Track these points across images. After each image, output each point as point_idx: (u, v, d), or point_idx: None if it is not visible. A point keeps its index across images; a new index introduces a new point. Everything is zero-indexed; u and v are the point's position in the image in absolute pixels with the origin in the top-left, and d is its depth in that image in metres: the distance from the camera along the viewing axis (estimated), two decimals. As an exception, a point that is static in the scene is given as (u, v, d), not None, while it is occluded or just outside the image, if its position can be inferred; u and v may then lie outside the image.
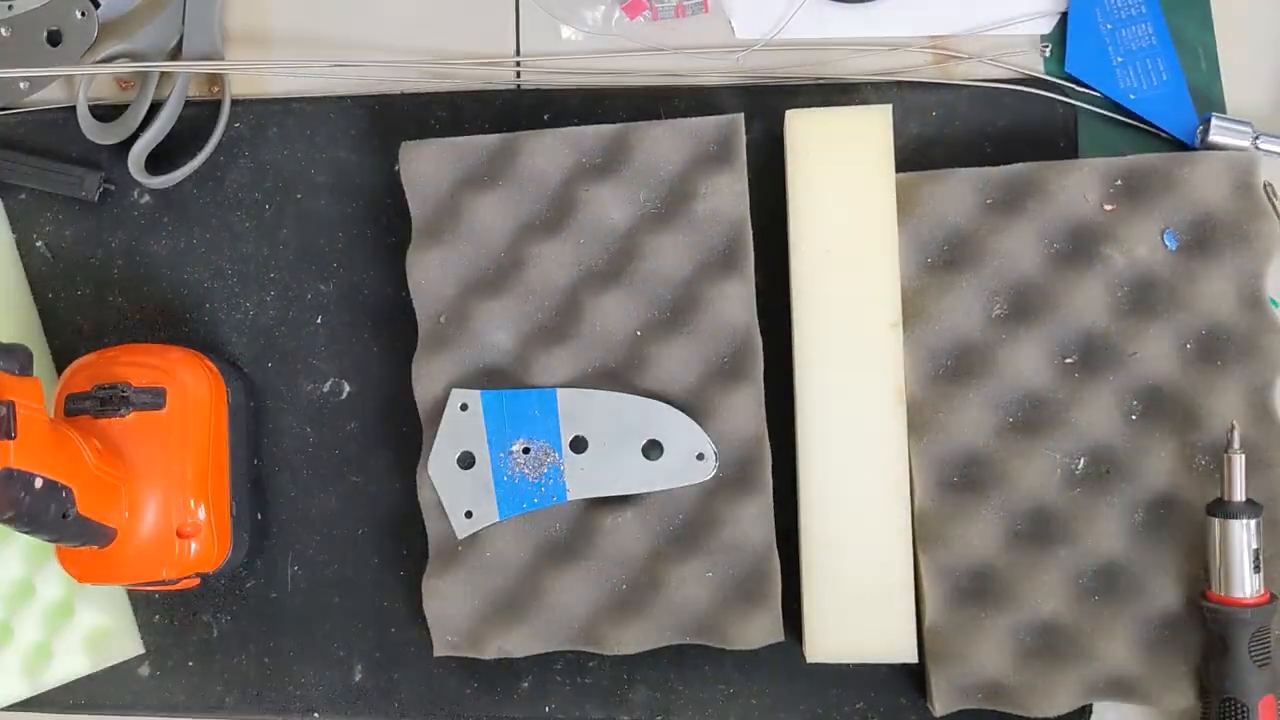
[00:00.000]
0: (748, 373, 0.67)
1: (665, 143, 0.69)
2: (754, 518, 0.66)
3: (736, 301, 0.67)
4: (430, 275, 0.69)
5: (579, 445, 0.67)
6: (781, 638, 0.65)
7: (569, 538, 0.68)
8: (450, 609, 0.67)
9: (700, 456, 0.66)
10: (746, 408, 0.67)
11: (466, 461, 0.68)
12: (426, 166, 0.70)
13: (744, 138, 0.68)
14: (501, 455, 0.67)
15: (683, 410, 0.67)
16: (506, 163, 0.70)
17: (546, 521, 0.68)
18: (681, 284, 0.68)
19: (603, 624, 0.66)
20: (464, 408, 0.68)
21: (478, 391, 0.68)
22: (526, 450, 0.67)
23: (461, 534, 0.67)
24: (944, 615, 0.65)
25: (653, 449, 0.67)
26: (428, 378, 0.69)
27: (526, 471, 0.67)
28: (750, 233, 0.68)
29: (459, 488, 0.67)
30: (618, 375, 0.68)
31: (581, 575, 0.67)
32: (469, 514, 0.67)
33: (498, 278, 0.69)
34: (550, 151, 0.69)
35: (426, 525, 0.68)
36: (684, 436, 0.66)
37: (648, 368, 0.67)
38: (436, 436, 0.68)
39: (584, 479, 0.67)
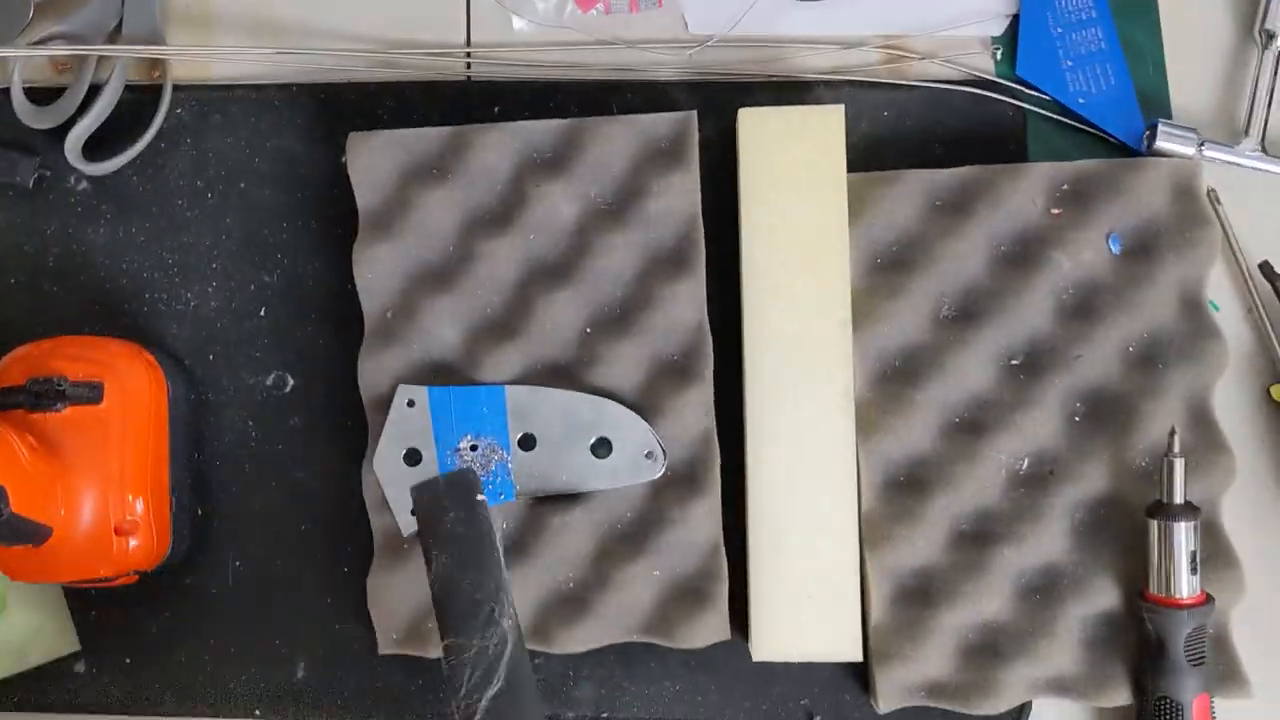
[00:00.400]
0: (698, 372, 0.67)
1: (617, 139, 0.68)
2: (702, 517, 0.66)
3: (687, 300, 0.67)
4: (377, 269, 0.68)
5: (527, 443, 0.67)
6: (728, 636, 0.66)
7: (516, 536, 0.67)
8: (395, 607, 0.67)
9: (649, 455, 0.66)
10: (696, 407, 0.66)
11: (413, 458, 0.67)
12: (374, 158, 0.69)
13: (696, 135, 0.68)
14: (449, 453, 0.67)
15: (632, 409, 0.66)
16: (456, 156, 0.69)
17: (493, 520, 0.67)
18: (632, 282, 0.68)
19: (550, 623, 0.66)
20: (410, 404, 0.67)
21: (425, 388, 0.67)
22: (474, 448, 0.67)
23: (407, 531, 0.67)
24: (888, 614, 0.66)
25: (601, 447, 0.66)
26: (374, 373, 0.68)
27: (474, 469, 0.66)
28: (702, 231, 0.68)
29: (405, 485, 0.67)
30: (567, 373, 0.68)
31: (528, 574, 0.66)
32: (415, 511, 0.67)
33: (446, 273, 0.69)
34: (500, 146, 0.69)
35: (371, 522, 0.68)
36: (633, 435, 0.66)
37: (597, 366, 0.67)
38: (382, 433, 0.67)
39: (532, 477, 0.66)
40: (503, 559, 0.60)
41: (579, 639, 0.66)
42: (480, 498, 0.61)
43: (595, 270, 0.68)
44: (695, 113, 0.68)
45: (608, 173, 0.68)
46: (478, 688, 0.56)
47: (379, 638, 0.67)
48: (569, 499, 0.67)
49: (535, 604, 0.67)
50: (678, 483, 0.67)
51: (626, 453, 0.66)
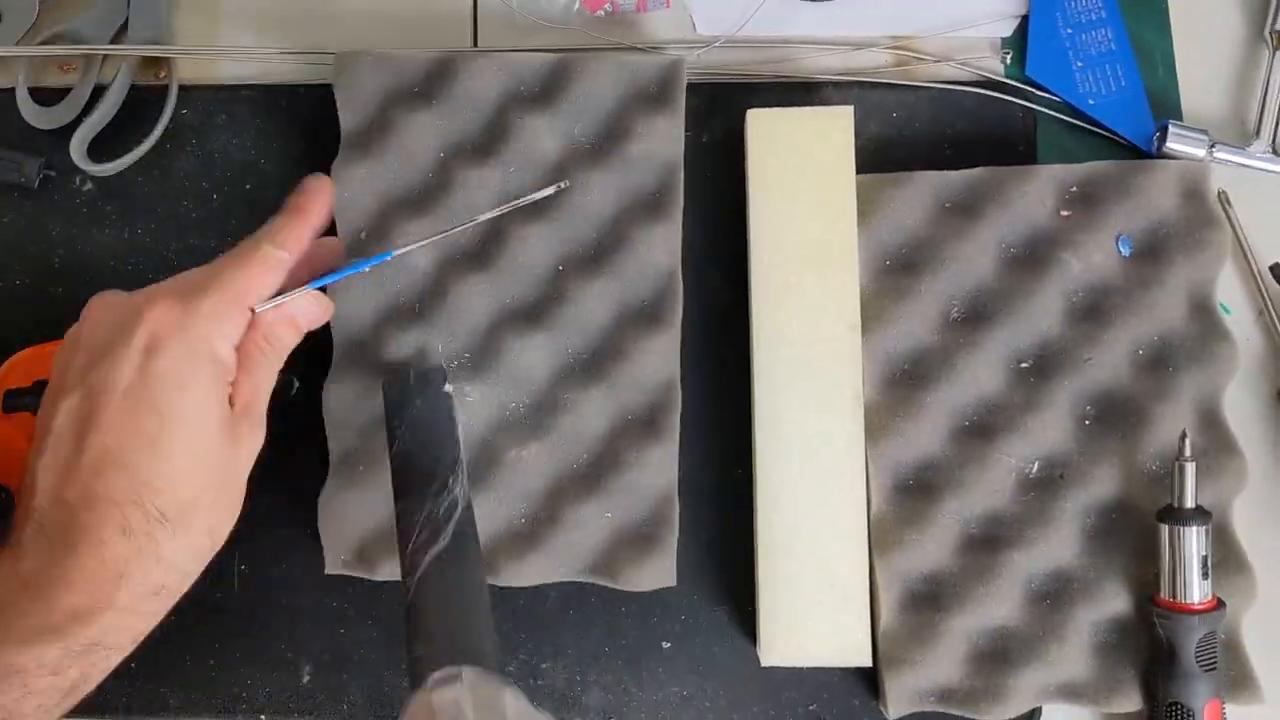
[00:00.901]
0: (666, 318, 0.66)
1: (604, 77, 0.67)
2: (658, 463, 0.65)
3: (662, 246, 0.66)
4: (355, 189, 0.67)
5: None
6: (673, 583, 0.65)
7: (472, 470, 0.66)
8: (346, 528, 0.66)
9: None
10: (662, 353, 0.66)
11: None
12: (360, 78, 0.68)
13: (685, 81, 0.67)
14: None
15: (596, 348, 0.67)
16: (442, 82, 0.68)
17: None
18: (608, 223, 0.67)
19: (498, 556, 0.66)
20: None
21: None
22: None
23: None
24: (898, 619, 0.66)
25: None
26: (344, 301, 0.67)
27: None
28: (682, 179, 0.67)
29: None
30: (536, 308, 0.67)
31: (481, 507, 0.66)
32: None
33: (422, 198, 0.68)
34: (487, 75, 0.68)
35: (329, 442, 0.67)
36: None
37: (566, 304, 0.67)
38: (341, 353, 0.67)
39: None
40: (462, 444, 0.63)
41: (526, 574, 0.66)
42: (446, 389, 0.64)
43: (572, 208, 0.67)
44: (684, 58, 0.68)
45: (593, 112, 0.68)
46: (424, 545, 0.59)
47: (327, 558, 0.66)
48: (527, 434, 0.66)
49: (486, 537, 0.66)
50: (637, 427, 0.66)
51: None
